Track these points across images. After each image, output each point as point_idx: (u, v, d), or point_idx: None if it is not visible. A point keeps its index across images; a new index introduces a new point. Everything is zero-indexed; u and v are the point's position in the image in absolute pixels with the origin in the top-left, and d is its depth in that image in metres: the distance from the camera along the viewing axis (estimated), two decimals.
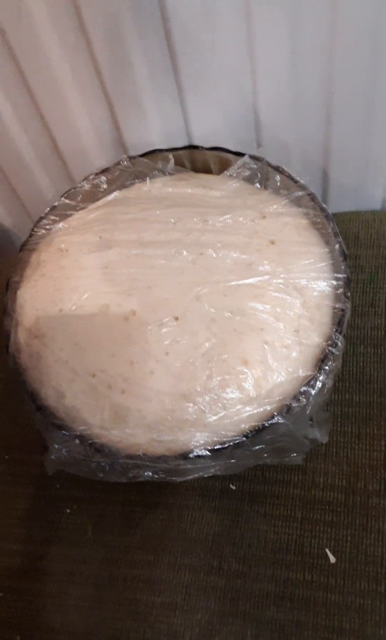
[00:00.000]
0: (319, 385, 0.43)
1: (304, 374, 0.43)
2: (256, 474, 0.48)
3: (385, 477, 0.47)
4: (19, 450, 0.52)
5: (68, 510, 0.49)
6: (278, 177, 0.51)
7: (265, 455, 0.43)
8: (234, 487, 0.48)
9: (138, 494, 0.49)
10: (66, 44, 0.48)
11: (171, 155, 0.53)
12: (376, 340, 0.53)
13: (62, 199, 0.53)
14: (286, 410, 0.42)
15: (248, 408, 0.42)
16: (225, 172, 0.52)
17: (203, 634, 0.44)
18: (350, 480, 0.47)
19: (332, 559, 0.45)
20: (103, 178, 0.53)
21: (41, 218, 0.52)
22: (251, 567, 0.45)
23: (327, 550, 0.45)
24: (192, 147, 0.54)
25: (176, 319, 0.45)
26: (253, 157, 0.51)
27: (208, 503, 0.48)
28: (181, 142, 0.55)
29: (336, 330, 0.44)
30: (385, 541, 0.45)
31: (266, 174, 0.51)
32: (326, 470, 0.48)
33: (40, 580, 0.47)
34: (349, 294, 0.45)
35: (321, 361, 0.43)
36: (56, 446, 0.43)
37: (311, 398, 0.42)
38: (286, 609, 0.43)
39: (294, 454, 0.44)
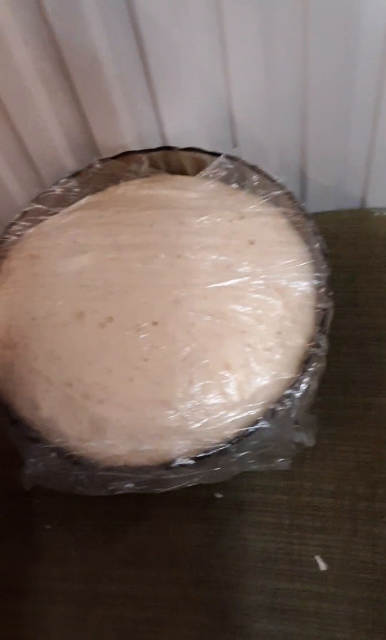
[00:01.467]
0: (304, 388, 0.41)
1: (288, 377, 0.42)
2: (242, 481, 0.47)
3: (373, 479, 0.46)
4: None
5: (48, 526, 0.47)
6: (255, 177, 0.50)
7: (251, 461, 0.42)
8: (220, 496, 0.47)
9: (120, 507, 0.47)
10: (32, 46, 0.46)
11: (145, 157, 0.52)
12: (359, 340, 0.52)
13: (33, 204, 0.51)
14: (270, 414, 0.41)
15: (231, 414, 0.41)
16: (201, 172, 0.51)
17: None
18: (338, 483, 0.46)
19: (322, 567, 0.43)
20: (75, 182, 0.52)
21: (11, 224, 0.50)
22: (239, 578, 0.44)
23: (317, 558, 0.44)
24: (166, 148, 0.52)
25: (155, 323, 0.43)
26: (228, 157, 0.50)
27: (193, 513, 0.46)
28: (155, 144, 0.53)
29: (319, 331, 0.43)
30: (375, 545, 0.44)
31: (243, 173, 0.50)
32: (313, 474, 0.47)
33: (19, 600, 0.45)
34: (331, 293, 0.44)
35: (305, 363, 0.42)
36: (32, 460, 0.42)
37: (295, 401, 0.41)
38: (277, 620, 0.42)
39: (281, 459, 0.43)
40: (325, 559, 0.44)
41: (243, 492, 0.47)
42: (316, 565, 0.44)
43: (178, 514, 0.47)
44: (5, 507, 0.49)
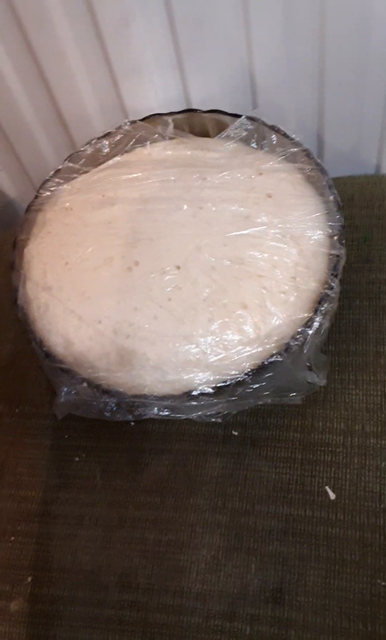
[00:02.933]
0: (316, 326, 0.44)
1: (301, 316, 0.45)
2: (257, 420, 0.50)
3: (382, 419, 0.48)
4: (28, 404, 0.54)
5: (77, 459, 0.51)
6: (273, 136, 0.52)
7: (266, 393, 0.45)
8: (236, 433, 0.50)
9: (144, 442, 0.51)
10: (69, 11, 0.50)
11: (170, 120, 0.55)
12: (372, 294, 0.55)
13: (66, 162, 0.55)
14: (284, 348, 0.44)
15: (248, 348, 0.44)
16: (222, 133, 0.54)
17: (209, 568, 0.45)
18: (348, 423, 0.49)
19: (332, 496, 0.46)
20: (105, 142, 0.55)
21: (46, 180, 0.54)
22: (254, 505, 0.47)
23: (327, 488, 0.47)
24: (190, 111, 0.55)
25: (178, 267, 0.47)
26: (249, 118, 0.53)
27: (211, 448, 0.50)
28: (181, 108, 0.56)
29: (332, 274, 0.46)
30: (382, 478, 0.46)
31: (262, 133, 0.53)
32: (324, 415, 0.50)
33: (50, 524, 0.49)
34: (344, 240, 0.47)
35: (317, 303, 0.45)
36: (65, 389, 0.45)
37: (308, 337, 0.44)
38: (289, 543, 0.45)
39: (294, 394, 0.46)
40: (334, 489, 0.46)
41: (258, 430, 0.50)
42: (326, 494, 0.46)
43: (198, 449, 0.50)
44: (38, 442, 0.52)
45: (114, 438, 0.51)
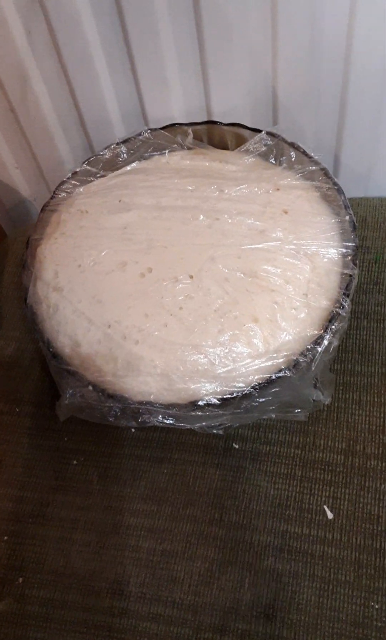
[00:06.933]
0: (326, 344, 0.44)
1: (311, 333, 0.45)
2: (259, 434, 0.50)
3: (384, 441, 0.48)
4: (30, 404, 0.54)
5: (75, 462, 0.51)
6: (292, 153, 0.53)
7: (271, 408, 0.45)
8: (237, 446, 0.50)
9: (144, 449, 0.50)
10: (99, 17, 0.50)
11: (190, 130, 0.56)
12: (380, 316, 0.55)
13: (84, 165, 0.55)
14: (293, 364, 0.44)
15: (256, 362, 0.44)
16: (241, 146, 0.54)
17: (202, 580, 0.45)
18: (350, 443, 0.49)
19: (330, 515, 0.46)
20: (124, 148, 0.56)
21: (63, 182, 0.54)
22: (251, 519, 0.47)
23: (325, 507, 0.46)
24: (211, 123, 0.56)
25: (191, 277, 0.47)
26: (269, 134, 0.53)
27: (211, 460, 0.49)
28: (201, 119, 0.57)
29: (344, 294, 0.46)
30: (381, 500, 0.46)
31: (281, 150, 0.53)
32: (326, 433, 0.49)
33: (45, 526, 0.48)
34: (357, 261, 0.47)
35: (328, 321, 0.45)
36: (70, 391, 0.45)
37: (317, 355, 0.44)
38: (284, 560, 0.45)
39: (298, 410, 0.46)
40: (332, 509, 0.46)
41: (259, 445, 0.50)
42: (324, 513, 0.46)
43: (198, 460, 0.49)
44: (37, 442, 0.52)
45: (113, 443, 0.51)
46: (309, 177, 0.52)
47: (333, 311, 0.46)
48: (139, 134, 0.55)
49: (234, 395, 0.43)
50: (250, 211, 0.50)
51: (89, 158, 0.55)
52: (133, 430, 0.51)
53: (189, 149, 0.56)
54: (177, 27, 0.50)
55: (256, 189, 0.51)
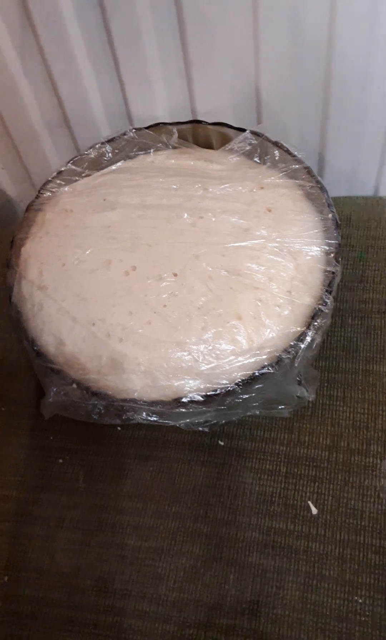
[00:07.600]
0: (309, 340, 0.45)
1: (294, 330, 0.45)
2: (244, 431, 0.50)
3: (367, 437, 0.49)
4: (15, 403, 0.54)
5: (60, 461, 0.51)
6: (276, 152, 0.53)
7: (255, 404, 0.45)
8: (222, 443, 0.50)
9: (129, 447, 0.50)
10: (81, 16, 0.50)
11: (175, 129, 0.56)
12: (363, 313, 0.55)
13: (69, 164, 0.55)
14: (276, 361, 0.44)
15: (240, 359, 0.44)
16: (226, 145, 0.55)
17: (187, 577, 0.45)
18: (334, 439, 0.49)
19: (314, 511, 0.46)
20: (109, 147, 0.56)
21: (48, 181, 0.54)
22: (236, 516, 0.47)
23: (309, 503, 0.47)
24: (196, 122, 0.56)
25: (175, 275, 0.47)
26: (253, 133, 0.54)
27: (196, 457, 0.50)
28: (185, 118, 0.57)
29: (327, 291, 0.46)
30: (365, 496, 0.46)
31: (265, 149, 0.54)
32: (311, 429, 0.50)
33: (30, 524, 0.48)
34: (340, 258, 0.48)
35: (311, 318, 0.45)
36: (54, 389, 0.45)
37: (300, 351, 0.44)
38: (269, 555, 0.45)
39: (282, 407, 0.46)
40: (317, 505, 0.47)
41: (244, 441, 0.50)
42: (308, 509, 0.46)
43: (183, 457, 0.50)
44: (22, 441, 0.52)
45: (99, 442, 0.51)
46: (293, 175, 0.52)
47: (316, 308, 0.46)
48: (124, 134, 0.56)
49: (218, 392, 0.43)
50: (234, 209, 0.50)
51: (74, 157, 0.55)
52: (119, 428, 0.51)
53: (174, 148, 0.57)
54: (160, 27, 0.51)
55: (240, 188, 0.51)
